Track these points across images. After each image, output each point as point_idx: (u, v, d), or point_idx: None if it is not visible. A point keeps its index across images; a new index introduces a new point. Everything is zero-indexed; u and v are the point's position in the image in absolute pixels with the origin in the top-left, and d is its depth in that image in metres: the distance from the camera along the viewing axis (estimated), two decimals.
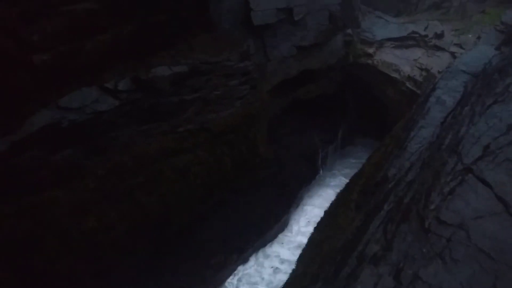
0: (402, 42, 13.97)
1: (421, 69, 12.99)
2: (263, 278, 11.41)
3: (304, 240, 10.95)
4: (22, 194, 7.77)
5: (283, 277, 10.51)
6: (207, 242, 11.13)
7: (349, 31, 13.72)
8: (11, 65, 7.74)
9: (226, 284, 11.39)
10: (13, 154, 7.52)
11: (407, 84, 12.87)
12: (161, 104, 9.37)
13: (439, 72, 12.00)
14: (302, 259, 8.59)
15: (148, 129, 9.37)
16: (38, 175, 7.97)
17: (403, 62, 13.24)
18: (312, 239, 8.98)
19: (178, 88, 9.53)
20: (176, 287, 10.50)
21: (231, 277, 11.53)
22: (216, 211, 10.96)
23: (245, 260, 11.87)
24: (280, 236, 12.73)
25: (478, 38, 12.70)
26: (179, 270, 10.54)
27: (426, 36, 13.93)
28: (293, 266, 9.06)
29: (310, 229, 10.63)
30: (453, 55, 13.06)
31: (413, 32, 14.10)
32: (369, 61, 13.50)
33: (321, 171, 14.31)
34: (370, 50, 13.66)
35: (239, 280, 11.46)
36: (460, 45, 13.46)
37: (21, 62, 7.86)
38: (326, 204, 10.99)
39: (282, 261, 11.78)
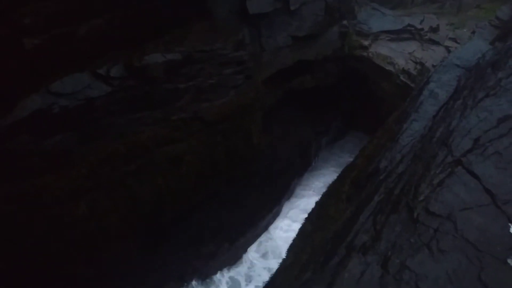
0: (397, 35, 13.95)
1: (416, 63, 13.01)
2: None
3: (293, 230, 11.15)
4: (12, 179, 7.71)
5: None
6: (199, 231, 11.17)
7: (345, 22, 13.64)
8: (2, 49, 7.61)
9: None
10: (3, 139, 7.45)
11: (402, 77, 12.89)
12: (155, 92, 9.29)
13: (433, 65, 12.02)
14: (293, 249, 8.65)
15: (141, 117, 9.29)
16: (29, 160, 7.90)
17: (398, 55, 13.24)
18: (302, 229, 9.04)
19: (172, 76, 9.44)
20: (167, 275, 10.56)
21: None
22: (208, 200, 10.97)
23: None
24: (271, 227, 12.83)
25: (473, 32, 12.72)
26: (170, 258, 10.59)
27: (422, 29, 13.92)
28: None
29: (300, 219, 10.73)
30: (447, 49, 13.09)
31: (409, 25, 14.07)
32: (364, 53, 13.47)
33: (313, 163, 14.37)
34: (366, 42, 13.62)
35: None
36: (455, 39, 13.48)
37: (12, 45, 7.74)
38: (317, 195, 11.08)
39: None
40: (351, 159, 10.65)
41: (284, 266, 7.87)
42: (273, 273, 8.60)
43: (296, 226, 11.76)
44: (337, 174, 10.42)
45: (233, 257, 11.76)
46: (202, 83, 10.08)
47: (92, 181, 8.54)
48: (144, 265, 10.15)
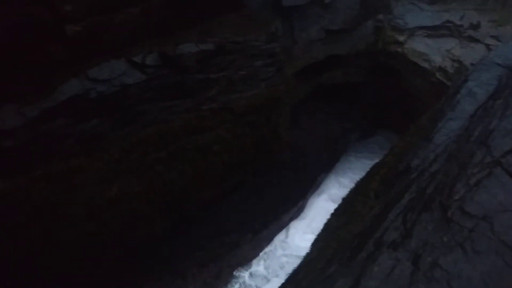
0: (435, 31, 13.44)
1: (453, 60, 12.51)
2: None
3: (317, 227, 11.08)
4: (51, 160, 8.08)
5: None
6: (224, 220, 11.34)
7: (380, 16, 13.30)
8: (45, 35, 7.94)
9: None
10: (43, 121, 7.80)
11: (437, 75, 12.44)
12: (186, 81, 9.44)
13: (472, 64, 11.54)
14: (317, 244, 8.62)
15: (173, 106, 9.49)
16: (65, 142, 8.25)
17: (434, 52, 12.76)
18: (328, 224, 8.98)
19: (204, 66, 9.56)
20: (190, 261, 10.80)
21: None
22: (234, 190, 11.10)
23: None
24: (295, 220, 12.81)
25: None
26: (194, 245, 10.82)
27: (461, 26, 13.34)
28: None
29: (326, 214, 10.65)
30: (488, 47, 12.49)
31: (448, 21, 13.51)
32: (399, 49, 13.08)
33: (341, 159, 14.20)
34: (401, 38, 13.22)
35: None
36: (496, 37, 12.84)
37: (54, 32, 8.06)
38: (343, 192, 10.95)
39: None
40: (380, 157, 10.44)
41: (308, 259, 7.86)
42: (296, 266, 8.61)
43: (320, 221, 11.75)
44: (365, 171, 10.27)
45: (257, 248, 11.84)
46: (233, 74, 10.15)
47: (124, 165, 8.83)
48: (168, 250, 10.43)
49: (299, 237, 12.39)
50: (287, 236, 12.33)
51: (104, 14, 8.57)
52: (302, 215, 13.01)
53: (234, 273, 11.34)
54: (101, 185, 8.56)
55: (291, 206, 12.46)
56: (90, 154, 8.49)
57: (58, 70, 8.20)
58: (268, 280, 11.35)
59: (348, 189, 9.82)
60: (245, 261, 11.77)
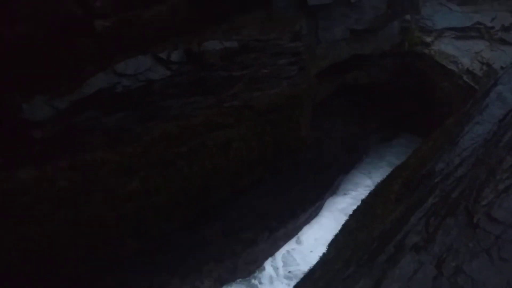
0: (464, 32, 13.08)
1: (482, 63, 12.15)
2: None
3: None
4: (76, 151, 8.31)
5: None
6: (241, 217, 11.40)
7: (407, 17, 13.03)
8: (75, 29, 8.18)
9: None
10: (71, 113, 8.03)
11: (465, 77, 12.11)
12: (210, 78, 9.51)
13: (501, 67, 11.20)
14: (334, 244, 8.57)
15: (195, 102, 9.58)
16: (92, 135, 8.46)
17: (463, 54, 12.43)
18: (346, 225, 8.92)
19: (228, 63, 9.60)
20: (206, 256, 10.92)
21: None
22: (252, 188, 11.13)
23: None
24: (312, 221, 12.74)
25: None
26: (211, 241, 10.93)
27: (492, 28, 12.94)
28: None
29: (344, 216, 10.58)
30: None
31: (478, 23, 13.14)
32: (426, 51, 12.79)
33: (361, 160, 14.02)
34: (428, 39, 12.92)
35: None
36: None
37: (84, 26, 8.28)
38: (363, 193, 10.83)
39: None
40: (402, 160, 10.27)
41: (325, 260, 7.84)
42: (311, 266, 8.59)
43: (338, 222, 11.67)
44: (386, 174, 10.12)
45: (273, 247, 11.85)
46: (256, 72, 10.16)
47: (146, 159, 8.98)
48: (185, 245, 10.56)
49: (313, 238, 12.32)
50: (302, 235, 12.28)
51: (133, 10, 8.74)
52: (320, 215, 12.93)
53: (250, 269, 11.38)
54: (123, 178, 8.73)
55: (308, 206, 12.41)
56: (114, 147, 8.68)
57: (86, 64, 8.41)
58: (283, 278, 11.35)
59: (368, 191, 9.71)
60: (262, 258, 11.80)
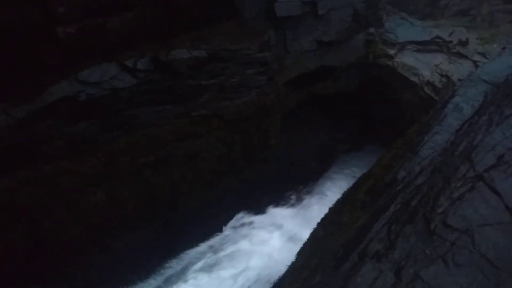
0: (424, 46, 13.74)
1: (442, 75, 12.77)
2: None
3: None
4: (37, 162, 7.97)
5: None
6: (212, 227, 11.27)
7: (371, 30, 13.54)
8: (37, 35, 7.89)
9: None
10: (30, 122, 7.71)
11: (426, 89, 12.68)
12: (178, 87, 9.45)
13: (459, 79, 11.79)
14: (302, 253, 8.63)
15: (163, 111, 9.47)
16: (53, 145, 8.16)
17: (423, 67, 13.03)
18: (314, 234, 9.00)
19: (196, 72, 9.59)
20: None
21: None
22: (222, 198, 11.05)
23: None
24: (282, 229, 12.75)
25: (503, 49, 12.39)
26: (182, 251, 10.71)
27: (450, 42, 13.67)
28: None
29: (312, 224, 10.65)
30: (475, 63, 12.80)
31: (437, 37, 13.84)
32: (389, 63, 13.32)
33: (329, 169, 14.26)
34: (391, 52, 13.46)
35: None
36: (483, 54, 13.17)
37: (46, 33, 8.01)
38: (331, 201, 10.98)
39: None
40: (368, 168, 10.54)
41: (293, 268, 7.86)
42: (281, 275, 8.60)
43: (306, 230, 11.77)
44: (353, 182, 10.34)
45: None
46: (225, 82, 10.20)
47: (112, 169, 8.75)
48: (155, 256, 10.29)
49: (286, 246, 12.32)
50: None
51: (98, 17, 8.55)
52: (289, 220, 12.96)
53: None
54: (87, 189, 8.47)
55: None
56: (77, 157, 8.41)
57: (48, 72, 8.13)
58: None
59: (335, 199, 9.87)
60: None
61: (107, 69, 8.47)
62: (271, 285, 8.77)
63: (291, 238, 11.47)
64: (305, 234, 9.18)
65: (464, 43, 13.70)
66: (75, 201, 8.36)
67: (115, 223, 9.01)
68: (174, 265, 10.77)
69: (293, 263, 8.71)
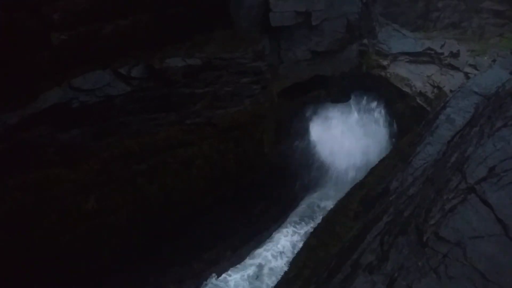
0: (417, 57, 13.92)
1: (433, 86, 12.94)
2: None
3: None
4: (28, 169, 7.88)
5: None
6: (204, 236, 11.17)
7: (365, 41, 13.71)
8: (31, 41, 7.85)
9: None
10: (22, 129, 7.63)
11: (418, 99, 12.82)
12: (172, 95, 9.44)
13: (451, 91, 11.95)
14: (295, 263, 8.61)
15: (157, 118, 9.44)
16: (45, 151, 8.08)
17: (416, 78, 13.18)
18: (307, 244, 9.00)
19: (190, 80, 9.60)
20: (167, 276, 10.57)
21: None
22: (215, 206, 10.98)
23: None
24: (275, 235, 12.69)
25: (494, 61, 12.65)
26: (173, 260, 10.60)
27: (442, 54, 13.88)
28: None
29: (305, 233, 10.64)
30: (466, 75, 13.00)
31: (429, 49, 14.04)
32: (382, 73, 13.45)
33: (325, 178, 14.26)
34: (384, 62, 13.62)
35: None
36: (474, 66, 13.40)
37: (40, 39, 7.98)
38: (324, 211, 11.02)
39: None
40: (361, 178, 10.59)
41: (286, 278, 7.84)
42: (273, 285, 8.56)
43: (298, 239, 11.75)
44: (346, 192, 10.37)
45: (235, 265, 11.66)
46: (219, 90, 10.22)
47: (104, 176, 8.67)
48: (146, 265, 10.16)
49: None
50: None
51: (92, 24, 8.55)
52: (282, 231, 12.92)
53: None
54: (79, 197, 8.37)
55: (271, 223, 12.42)
56: (69, 164, 8.33)
57: (41, 78, 8.09)
58: None
59: (329, 208, 9.90)
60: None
61: (101, 76, 8.46)
62: None
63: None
64: None
65: (455, 55, 13.93)
66: (66, 209, 8.24)
67: (106, 232, 8.89)
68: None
69: (285, 273, 8.69)
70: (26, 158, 7.92)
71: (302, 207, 13.63)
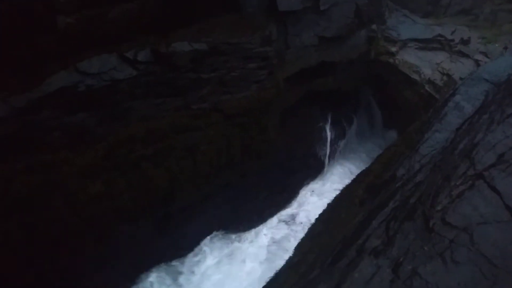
0: (426, 44, 13.68)
1: (443, 74, 12.73)
2: None
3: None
4: (34, 152, 7.93)
5: None
6: (208, 221, 11.27)
7: (373, 27, 13.47)
8: (37, 25, 7.82)
9: None
10: (29, 112, 7.66)
11: (426, 87, 12.65)
12: (178, 80, 9.39)
13: (460, 78, 11.77)
14: (300, 248, 8.64)
15: (162, 103, 9.43)
16: (51, 135, 8.11)
17: (425, 65, 12.98)
18: (312, 229, 9.02)
19: (196, 65, 9.53)
20: (173, 260, 10.73)
21: None
22: (219, 192, 11.03)
23: None
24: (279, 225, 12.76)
25: (505, 48, 12.37)
26: (177, 245, 10.73)
27: (452, 40, 13.61)
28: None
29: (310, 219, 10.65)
30: (477, 62, 12.76)
31: (439, 35, 13.78)
32: (391, 60, 13.26)
33: (327, 165, 14.27)
34: (393, 49, 13.41)
35: None
36: (485, 54, 13.13)
37: (45, 22, 7.94)
38: (329, 197, 10.99)
39: None
40: (367, 165, 10.54)
41: (290, 263, 7.88)
42: (277, 270, 8.61)
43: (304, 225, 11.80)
44: (351, 178, 10.34)
45: None
46: (225, 75, 10.14)
47: (110, 161, 8.71)
48: (151, 249, 10.29)
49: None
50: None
51: (98, 7, 8.48)
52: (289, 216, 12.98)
53: None
54: (85, 180, 8.43)
55: (275, 211, 12.47)
56: (75, 148, 8.37)
57: (47, 62, 8.07)
58: None
59: (334, 195, 9.88)
60: None
61: (107, 60, 8.41)
62: (268, 280, 8.77)
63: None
64: None
65: (466, 42, 13.66)
66: (73, 192, 8.32)
67: (112, 215, 8.98)
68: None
69: (290, 258, 8.72)
70: (33, 141, 7.97)
71: (305, 195, 13.69)
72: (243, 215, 11.68)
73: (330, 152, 13.99)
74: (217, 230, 11.35)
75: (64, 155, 8.26)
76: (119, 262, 9.51)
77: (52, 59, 8.11)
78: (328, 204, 9.32)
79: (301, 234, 9.26)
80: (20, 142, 7.79)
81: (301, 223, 12.43)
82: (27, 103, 7.60)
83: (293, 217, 12.72)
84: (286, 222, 12.51)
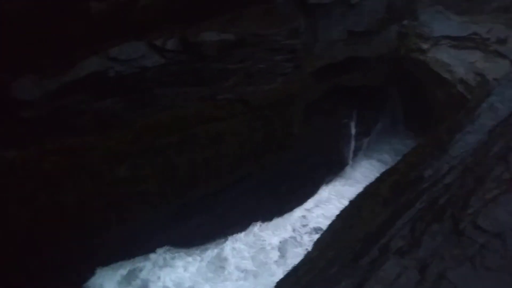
0: (460, 42, 13.18)
1: (476, 74, 12.26)
2: None
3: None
4: (64, 134, 8.16)
5: None
6: (228, 211, 11.33)
7: (405, 22, 13.09)
8: (70, 10, 7.98)
9: None
10: (61, 95, 7.86)
11: (458, 87, 12.21)
12: (205, 70, 9.43)
13: (494, 79, 11.31)
14: (319, 243, 8.59)
15: (189, 92, 9.50)
16: (80, 118, 8.33)
17: (457, 63, 12.53)
18: (332, 225, 8.94)
19: (223, 56, 9.52)
20: (191, 247, 10.87)
21: None
22: (241, 182, 11.06)
23: None
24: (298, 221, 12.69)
25: None
26: (197, 232, 10.85)
27: (488, 39, 13.06)
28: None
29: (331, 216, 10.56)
30: None
31: (474, 33, 13.25)
32: (422, 57, 12.85)
33: (350, 162, 14.06)
34: (425, 46, 12.98)
35: None
36: None
37: (79, 8, 8.10)
38: (351, 195, 10.84)
39: None
40: (392, 163, 10.32)
41: (309, 258, 7.84)
42: (296, 263, 8.60)
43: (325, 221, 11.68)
44: (375, 176, 10.16)
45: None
46: (252, 67, 10.10)
47: (136, 146, 8.88)
48: (169, 236, 10.46)
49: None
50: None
51: None
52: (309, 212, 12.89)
53: None
54: (111, 164, 8.62)
55: (295, 205, 12.41)
56: (104, 132, 8.56)
57: (79, 47, 8.24)
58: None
59: (356, 193, 9.74)
60: None
61: (136, 47, 8.52)
62: (285, 273, 8.77)
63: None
64: None
65: (502, 41, 13.08)
66: (99, 175, 8.53)
67: (135, 199, 9.18)
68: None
69: (309, 252, 8.70)
70: (63, 124, 8.20)
71: (327, 190, 13.55)
72: (264, 207, 11.67)
73: (354, 149, 13.74)
74: (236, 221, 11.36)
75: (92, 139, 8.47)
76: (139, 246, 9.73)
77: (84, 44, 8.28)
78: (350, 202, 9.20)
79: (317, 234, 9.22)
80: (51, 125, 8.03)
81: (319, 219, 12.34)
82: (58, 87, 7.80)
83: (311, 212, 12.64)
84: (304, 217, 12.46)
